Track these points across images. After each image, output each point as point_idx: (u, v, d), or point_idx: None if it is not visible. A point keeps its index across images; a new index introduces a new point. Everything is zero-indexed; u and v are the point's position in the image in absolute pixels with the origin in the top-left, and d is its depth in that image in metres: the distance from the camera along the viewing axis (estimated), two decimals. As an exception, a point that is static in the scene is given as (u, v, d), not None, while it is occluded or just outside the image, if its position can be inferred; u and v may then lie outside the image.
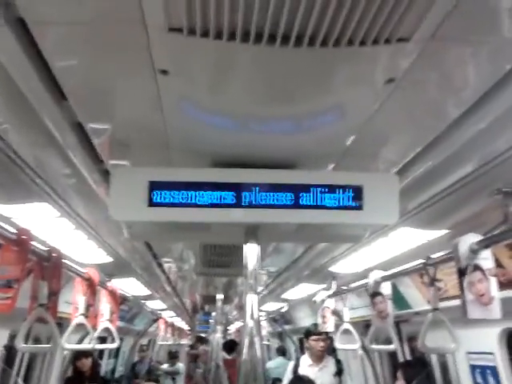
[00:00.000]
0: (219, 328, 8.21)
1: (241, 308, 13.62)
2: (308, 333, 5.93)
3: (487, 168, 2.47)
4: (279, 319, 11.11)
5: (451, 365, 4.70)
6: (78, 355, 6.28)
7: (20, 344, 3.04)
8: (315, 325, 5.95)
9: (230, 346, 9.26)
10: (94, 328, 4.60)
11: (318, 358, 5.75)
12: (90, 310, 4.37)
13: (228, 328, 20.85)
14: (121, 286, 5.91)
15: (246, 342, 2.15)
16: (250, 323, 2.18)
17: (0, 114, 2.00)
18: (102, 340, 6.16)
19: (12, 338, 4.40)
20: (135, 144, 2.33)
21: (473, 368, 4.28)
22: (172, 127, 2.10)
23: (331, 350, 8.35)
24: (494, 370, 3.97)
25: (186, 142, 2.28)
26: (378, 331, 4.24)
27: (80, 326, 4.24)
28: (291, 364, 6.08)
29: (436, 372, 5.14)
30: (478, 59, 1.65)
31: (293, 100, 1.88)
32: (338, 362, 5.90)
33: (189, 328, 22.45)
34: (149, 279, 7.09)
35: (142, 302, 8.62)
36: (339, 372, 5.65)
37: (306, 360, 5.86)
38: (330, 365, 5.72)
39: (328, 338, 5.89)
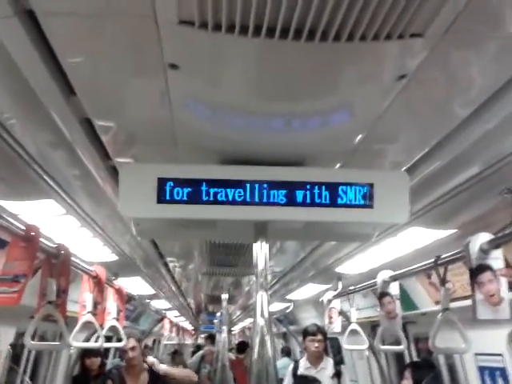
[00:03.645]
0: (225, 328, 8.17)
1: (244, 309, 13.60)
2: (304, 333, 5.75)
3: (496, 167, 2.46)
4: (284, 319, 11.08)
5: (459, 366, 4.67)
6: (87, 354, 6.24)
7: (29, 341, 3.02)
8: (314, 325, 5.84)
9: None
10: (102, 326, 4.58)
11: (316, 360, 5.62)
12: (98, 308, 4.34)
13: (232, 329, 20.84)
14: (126, 284, 5.89)
15: (257, 340, 2.11)
16: (261, 321, 2.15)
17: (7, 108, 1.99)
18: (107, 339, 6.13)
19: (18, 336, 4.40)
20: (143, 140, 2.32)
21: (481, 369, 4.25)
22: (180, 123, 2.08)
23: (336, 351, 8.33)
24: (503, 372, 3.94)
25: (193, 138, 2.26)
26: (386, 332, 4.21)
27: (87, 324, 4.22)
28: (290, 366, 5.95)
29: (444, 374, 5.11)
30: (489, 57, 1.63)
31: (303, 97, 1.86)
32: (337, 364, 5.76)
33: (193, 328, 22.45)
34: (154, 278, 7.09)
35: (147, 301, 8.63)
36: (337, 374, 5.52)
37: (304, 362, 5.74)
38: (328, 366, 5.59)
39: (324, 338, 5.72)
